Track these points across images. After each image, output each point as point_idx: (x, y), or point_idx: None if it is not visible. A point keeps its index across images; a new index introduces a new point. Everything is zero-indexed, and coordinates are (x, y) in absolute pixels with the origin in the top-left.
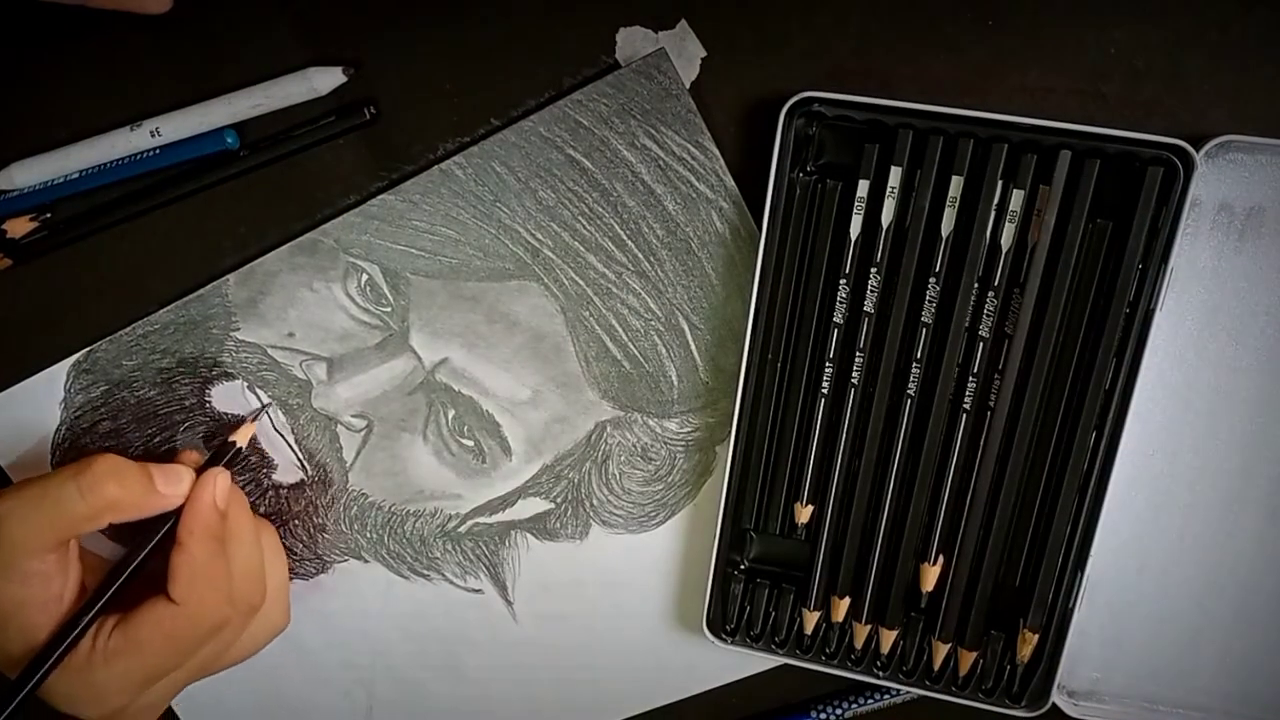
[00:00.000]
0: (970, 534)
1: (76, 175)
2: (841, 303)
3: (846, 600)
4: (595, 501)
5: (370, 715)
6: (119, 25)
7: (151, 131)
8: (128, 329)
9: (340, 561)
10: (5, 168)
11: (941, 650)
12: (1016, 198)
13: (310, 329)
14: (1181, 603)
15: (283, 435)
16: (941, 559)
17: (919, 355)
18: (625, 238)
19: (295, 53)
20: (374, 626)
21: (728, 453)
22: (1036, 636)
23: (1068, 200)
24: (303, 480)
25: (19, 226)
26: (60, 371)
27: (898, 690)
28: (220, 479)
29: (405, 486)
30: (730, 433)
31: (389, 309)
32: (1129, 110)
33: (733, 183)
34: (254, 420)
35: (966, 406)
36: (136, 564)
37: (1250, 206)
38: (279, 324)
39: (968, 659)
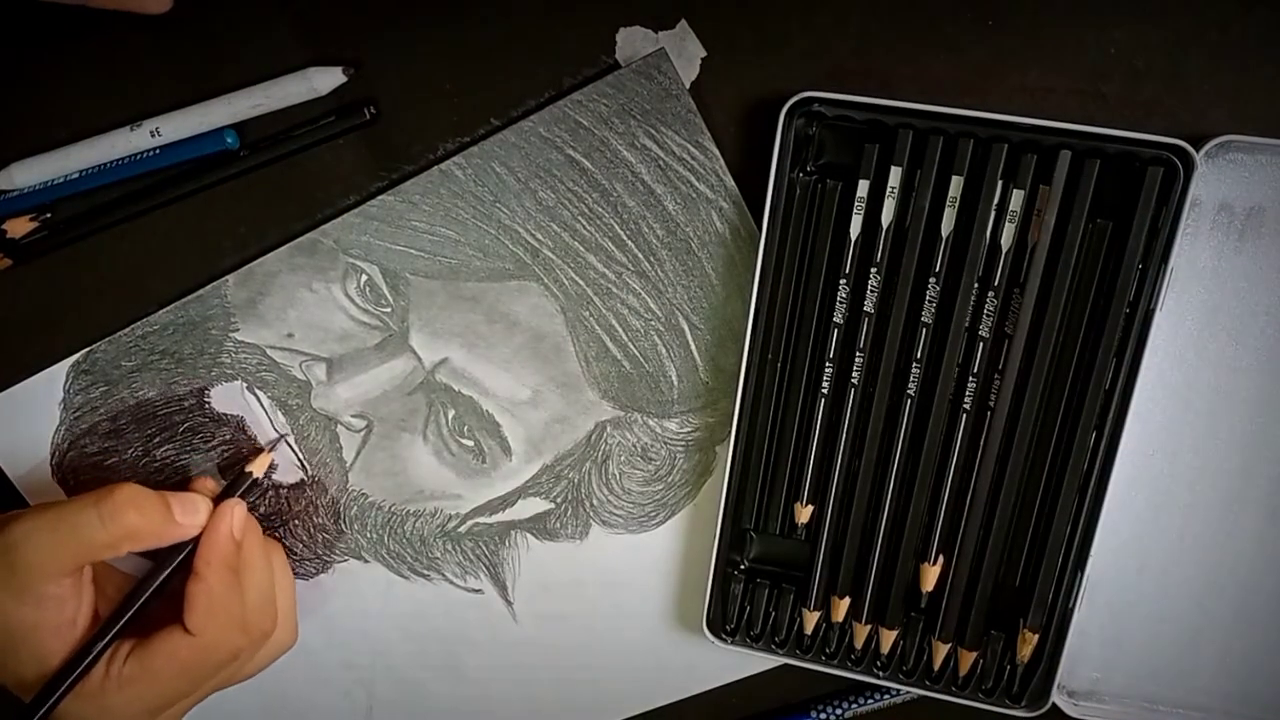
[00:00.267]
0: (970, 534)
1: (76, 175)
2: (841, 303)
3: (846, 600)
4: (595, 501)
5: (370, 715)
6: (119, 25)
7: (151, 131)
8: (127, 329)
9: (340, 561)
10: (5, 168)
11: (941, 650)
12: (1016, 198)
13: (310, 329)
14: (1181, 603)
15: (283, 435)
16: (941, 559)
17: (919, 355)
18: (625, 238)
19: (295, 53)
20: (374, 626)
21: (728, 453)
22: (1036, 636)
23: (1068, 200)
24: (303, 480)
25: (19, 226)
26: (60, 372)
27: (898, 690)
28: (237, 510)
29: (405, 486)
30: (730, 433)
31: (388, 309)
32: (1129, 110)
33: (733, 183)
34: (271, 450)
35: (966, 406)
36: (152, 592)
37: (1250, 206)
38: (278, 324)
39: (968, 659)
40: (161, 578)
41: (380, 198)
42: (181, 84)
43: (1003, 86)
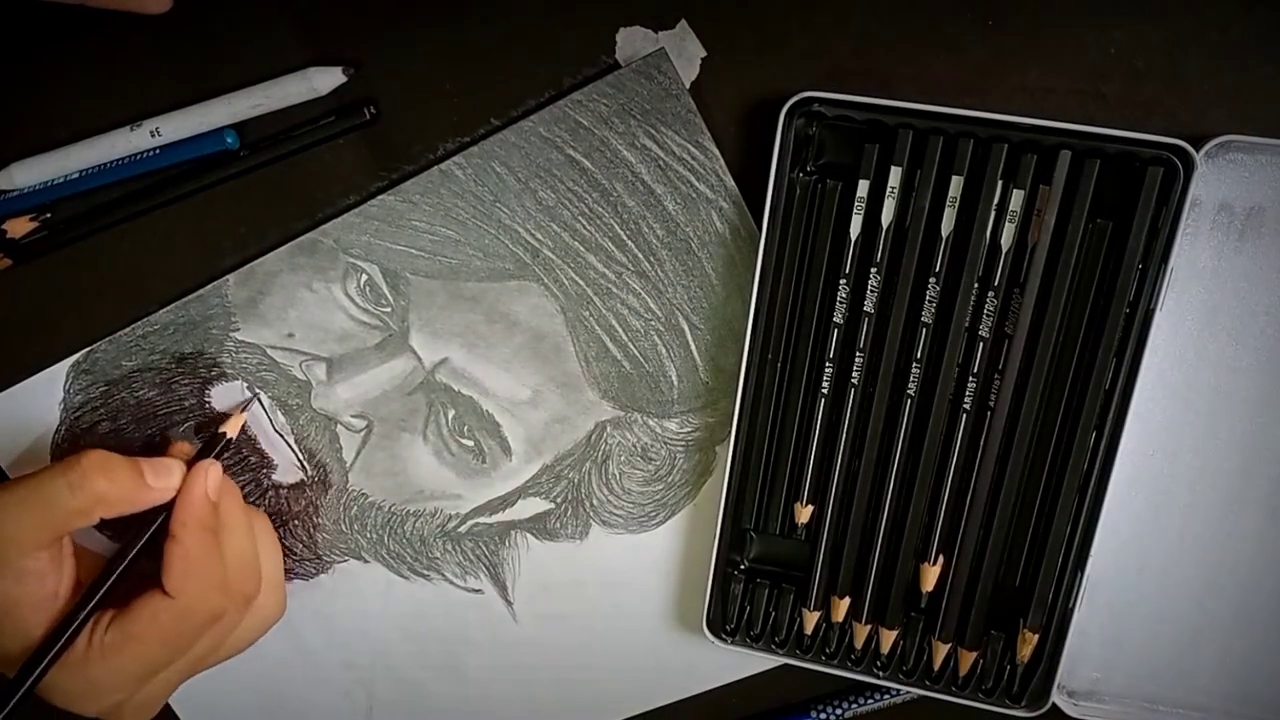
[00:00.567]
0: (970, 534)
1: (76, 175)
2: (841, 303)
3: (846, 600)
4: (595, 501)
5: (370, 715)
6: (119, 25)
7: (151, 131)
8: (127, 329)
9: (340, 561)
10: (5, 168)
11: (941, 650)
12: (1016, 198)
13: (310, 329)
14: (1181, 603)
15: (283, 435)
16: (941, 559)
17: (919, 355)
18: (625, 238)
19: (295, 53)
20: (374, 626)
21: (728, 453)
22: (1036, 636)
23: (1068, 200)
24: (303, 480)
25: (19, 226)
26: (60, 372)
27: (898, 690)
28: (212, 470)
29: (405, 486)
30: (730, 433)
31: (389, 309)
32: (1129, 110)
33: (733, 183)
34: (243, 411)
35: (966, 406)
36: (131, 558)
37: (1250, 206)
38: (279, 324)
39: (968, 659)
40: (140, 543)
41: (380, 198)
42: (181, 84)
43: (1003, 86)
